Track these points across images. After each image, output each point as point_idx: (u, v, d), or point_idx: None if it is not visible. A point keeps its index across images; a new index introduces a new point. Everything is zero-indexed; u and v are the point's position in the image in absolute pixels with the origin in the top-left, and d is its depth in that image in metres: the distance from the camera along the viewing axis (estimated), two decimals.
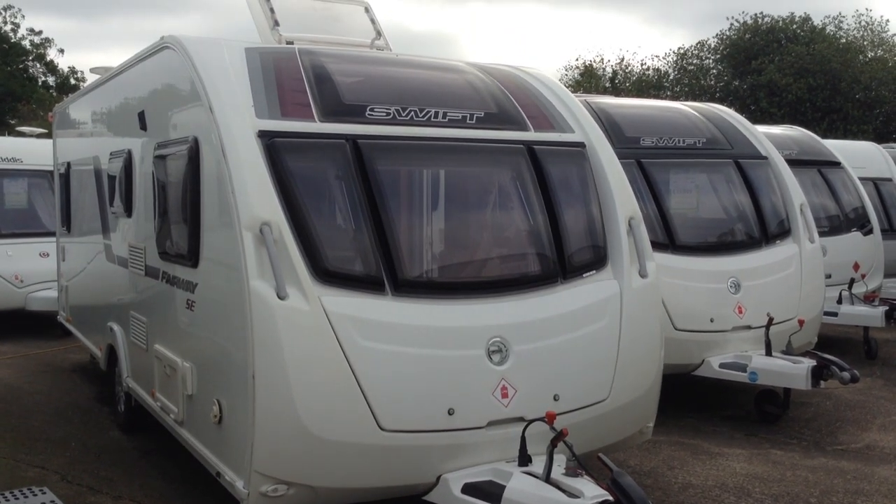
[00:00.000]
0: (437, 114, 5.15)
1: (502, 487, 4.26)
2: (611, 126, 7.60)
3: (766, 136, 8.96)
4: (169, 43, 5.40)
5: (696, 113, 8.66)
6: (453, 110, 5.22)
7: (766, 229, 7.98)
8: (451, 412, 4.49)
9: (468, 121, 5.24)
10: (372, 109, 4.99)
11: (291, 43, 5.87)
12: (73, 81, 39.55)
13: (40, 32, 39.74)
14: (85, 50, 64.44)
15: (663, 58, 44.79)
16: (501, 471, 4.45)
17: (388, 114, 5.02)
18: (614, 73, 35.40)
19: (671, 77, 34.39)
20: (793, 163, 9.05)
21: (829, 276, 8.66)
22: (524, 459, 4.49)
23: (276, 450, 4.26)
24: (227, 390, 4.59)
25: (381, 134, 4.95)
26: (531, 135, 5.43)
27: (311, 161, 4.76)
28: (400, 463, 4.46)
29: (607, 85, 34.32)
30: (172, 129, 5.47)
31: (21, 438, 6.87)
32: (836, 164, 10.94)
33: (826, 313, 8.84)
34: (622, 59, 36.30)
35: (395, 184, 5.16)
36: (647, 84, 33.57)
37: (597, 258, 5.27)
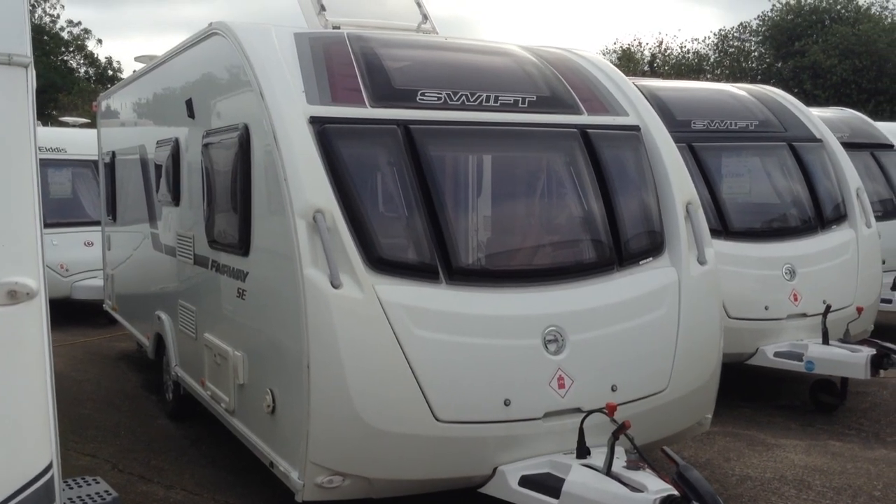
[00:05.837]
0: (488, 98, 5.05)
1: (561, 480, 4.17)
2: (661, 109, 7.36)
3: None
4: (218, 29, 5.34)
5: (747, 95, 8.43)
6: (505, 94, 5.11)
7: (822, 214, 7.76)
8: (507, 403, 4.40)
9: (520, 105, 5.12)
10: (423, 94, 4.90)
11: (338, 27, 5.79)
12: (109, 72, 39.87)
13: (79, 23, 40.12)
14: (104, 39, 64.30)
15: (703, 40, 44.06)
16: (559, 463, 4.36)
17: (440, 98, 4.93)
18: (653, 56, 34.86)
19: (711, 60, 33.78)
20: (845, 146, 8.76)
21: (883, 262, 8.41)
22: (582, 452, 4.39)
23: (332, 440, 4.21)
24: (281, 380, 4.55)
25: (432, 119, 4.86)
26: (585, 118, 5.31)
27: (362, 147, 4.69)
28: (456, 454, 4.39)
29: (646, 69, 33.80)
30: (222, 117, 5.42)
31: (72, 426, 6.90)
32: (888, 147, 10.64)
33: (881, 300, 8.58)
34: (661, 42, 35.75)
35: (447, 170, 5.07)
36: (687, 67, 33.00)
37: (654, 245, 5.14)
